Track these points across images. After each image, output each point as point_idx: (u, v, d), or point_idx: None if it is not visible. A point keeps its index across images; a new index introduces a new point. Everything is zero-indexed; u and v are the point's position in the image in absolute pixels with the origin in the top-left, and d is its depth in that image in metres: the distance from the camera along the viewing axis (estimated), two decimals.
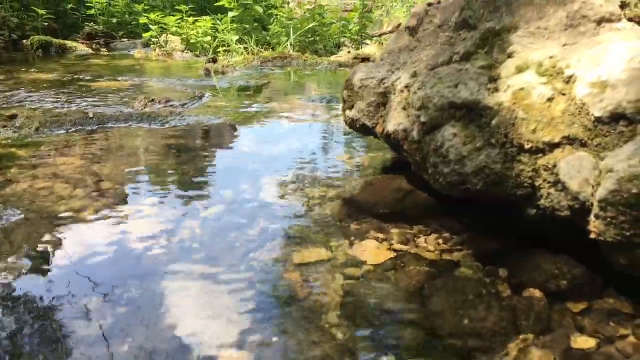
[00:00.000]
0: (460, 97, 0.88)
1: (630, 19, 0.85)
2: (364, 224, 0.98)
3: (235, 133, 1.49)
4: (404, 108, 1.03)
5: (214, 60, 2.76)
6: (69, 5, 4.26)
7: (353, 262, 0.85)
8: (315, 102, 1.88)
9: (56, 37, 3.88)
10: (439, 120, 0.92)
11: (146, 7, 4.34)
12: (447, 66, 0.96)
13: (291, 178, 1.18)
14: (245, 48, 3.07)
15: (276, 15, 3.86)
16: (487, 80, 0.87)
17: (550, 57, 0.84)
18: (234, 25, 3.10)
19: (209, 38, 3.91)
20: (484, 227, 0.94)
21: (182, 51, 3.45)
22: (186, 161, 1.25)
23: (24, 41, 3.71)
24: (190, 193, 1.09)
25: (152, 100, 1.92)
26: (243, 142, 1.42)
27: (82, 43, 3.85)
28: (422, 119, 0.94)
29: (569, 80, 0.80)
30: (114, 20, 4.23)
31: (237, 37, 3.11)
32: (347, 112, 1.19)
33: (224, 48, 3.48)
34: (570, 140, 0.79)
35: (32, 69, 2.68)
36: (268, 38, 3.64)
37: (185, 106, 1.92)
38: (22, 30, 3.64)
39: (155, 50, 3.37)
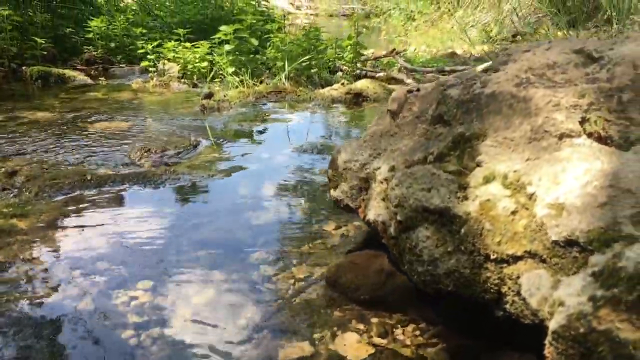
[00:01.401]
0: (433, 203, 0.95)
1: (589, 134, 0.91)
2: (347, 312, 1.05)
3: (224, 196, 1.55)
4: (383, 199, 1.09)
5: (210, 96, 2.82)
6: (68, 29, 4.32)
7: (335, 358, 0.92)
8: (306, 153, 1.94)
9: (55, 63, 3.94)
10: (414, 221, 0.98)
11: (144, 31, 4.40)
12: (422, 166, 1.02)
13: (277, 255, 1.25)
14: (241, 80, 3.13)
15: (272, 41, 3.92)
16: (457, 188, 0.94)
17: (515, 171, 0.90)
18: (230, 58, 3.16)
19: (205, 64, 3.97)
20: (458, 323, 1.00)
21: (180, 79, 3.52)
22: (173, 236, 1.32)
23: (24, 68, 3.78)
24: (176, 278, 1.15)
25: (149, 150, 1.99)
26: (229, 209, 1.48)
27: (81, 69, 3.91)
28: (399, 217, 1.01)
29: (530, 197, 0.86)
30: (113, 44, 4.29)
31: (232, 69, 3.17)
32: (332, 191, 1.26)
33: (220, 75, 3.54)
34: (531, 255, 0.85)
35: (32, 106, 2.74)
36: (262, 66, 3.71)
37: (180, 156, 1.99)
38: (21, 58, 3.70)
39: (152, 79, 3.43)
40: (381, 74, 3.74)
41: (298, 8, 26.18)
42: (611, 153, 0.86)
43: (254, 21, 3.65)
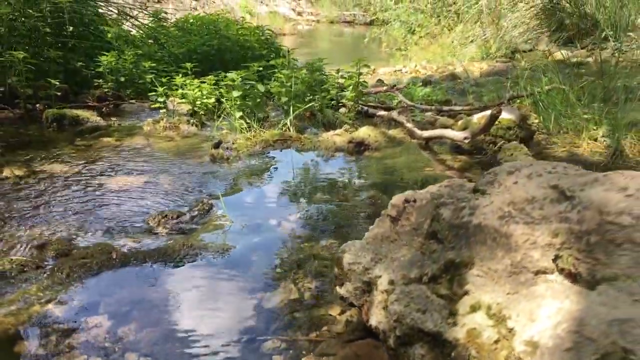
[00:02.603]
0: (427, 326, 1.09)
1: (562, 270, 1.06)
2: None
3: (237, 276, 1.70)
4: (383, 308, 1.24)
5: (219, 144, 2.97)
6: (79, 63, 4.47)
7: None
8: (313, 219, 2.08)
9: (68, 100, 4.10)
10: (411, 338, 1.13)
11: (152, 64, 4.55)
12: (418, 285, 1.17)
13: (288, 344, 1.39)
14: (248, 125, 3.28)
15: (276, 76, 4.08)
16: (448, 314, 1.08)
17: (498, 304, 1.05)
18: (238, 102, 3.31)
19: (212, 100, 4.12)
20: None
21: (189, 119, 3.66)
22: (191, 323, 1.46)
23: (38, 106, 3.93)
24: None
25: (165, 216, 2.13)
26: (243, 289, 1.63)
27: (93, 106, 4.07)
28: (397, 332, 1.15)
29: (510, 330, 1.01)
30: (122, 78, 4.43)
31: (240, 113, 3.32)
32: (338, 288, 1.40)
33: (228, 113, 3.69)
34: None
35: (50, 156, 2.89)
36: (266, 98, 3.85)
37: (195, 221, 2.14)
38: (36, 98, 3.85)
39: (163, 119, 3.57)
40: (382, 113, 3.88)
41: (300, 14, 26.33)
42: (579, 293, 1.01)
43: (261, 68, 3.79)
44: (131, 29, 5.37)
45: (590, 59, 7.84)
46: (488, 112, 2.99)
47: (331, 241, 1.91)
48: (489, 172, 1.33)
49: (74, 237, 1.99)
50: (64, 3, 4.36)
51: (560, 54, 8.05)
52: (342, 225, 2.05)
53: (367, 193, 2.35)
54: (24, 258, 1.78)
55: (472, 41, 10.33)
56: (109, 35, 4.58)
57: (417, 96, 4.50)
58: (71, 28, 4.46)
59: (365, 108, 4.11)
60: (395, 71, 9.32)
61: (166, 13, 6.25)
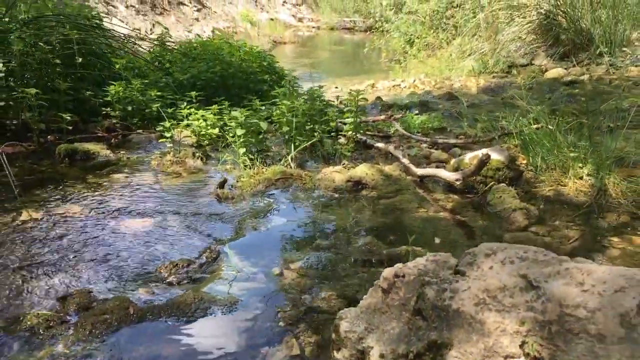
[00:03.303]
0: None
1: (527, 354, 1.23)
2: None
3: (245, 334, 1.86)
4: None
5: (223, 184, 3.14)
6: (88, 93, 4.64)
7: None
8: (312, 269, 2.24)
9: (79, 130, 4.27)
10: None
11: (158, 93, 4.73)
12: None
13: None
14: (251, 160, 3.45)
15: (278, 106, 4.25)
16: None
17: None
18: (242, 140, 3.48)
19: (216, 130, 4.30)
20: None
21: (194, 152, 3.83)
22: None
23: (49, 137, 4.11)
24: None
25: (176, 265, 2.30)
26: (248, 346, 1.80)
27: (102, 137, 4.24)
28: None
29: None
30: (129, 107, 4.60)
31: (244, 149, 3.48)
32: (335, 352, 1.57)
33: (232, 143, 3.87)
34: None
35: (64, 196, 3.06)
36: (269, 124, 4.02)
37: (203, 269, 2.31)
38: (48, 131, 4.03)
39: (169, 152, 3.74)
40: (380, 145, 4.04)
41: (300, 20, 26.52)
42: None
43: (262, 107, 3.96)
44: (138, 57, 5.54)
45: (584, 77, 8.00)
46: (479, 153, 3.16)
47: (329, 293, 2.07)
48: (469, 252, 1.50)
49: (92, 286, 2.15)
50: (73, 35, 4.53)
51: (555, 72, 8.22)
52: (340, 277, 2.21)
53: (364, 240, 2.51)
54: (50, 312, 1.95)
55: (469, 55, 10.49)
56: (117, 66, 4.75)
57: (413, 125, 4.67)
58: (80, 59, 4.63)
59: (364, 138, 4.28)
60: (394, 86, 9.50)
61: (170, 36, 6.41)
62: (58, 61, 4.45)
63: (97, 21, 5.15)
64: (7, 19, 4.35)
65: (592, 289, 1.21)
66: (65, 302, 2.03)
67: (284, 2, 26.65)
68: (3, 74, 3.71)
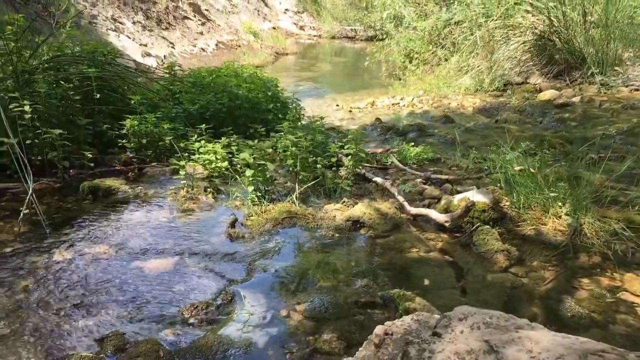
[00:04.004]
0: None
1: None
2: None
3: None
4: None
5: (234, 223, 3.46)
6: (105, 126, 4.98)
7: None
8: (316, 311, 2.56)
9: (97, 165, 4.60)
10: None
11: (170, 127, 5.06)
12: None
13: None
14: (258, 198, 3.77)
15: (283, 139, 4.59)
16: None
17: None
18: (250, 179, 3.80)
19: (225, 163, 4.63)
20: None
21: (206, 187, 4.15)
22: None
23: (72, 172, 4.43)
24: None
25: (196, 307, 2.63)
26: None
27: (120, 170, 4.57)
28: None
29: None
30: (144, 140, 4.94)
31: (252, 187, 3.81)
32: None
33: (240, 175, 4.20)
34: None
35: (92, 237, 3.38)
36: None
37: (219, 310, 2.63)
38: (71, 167, 4.36)
39: (183, 188, 4.07)
40: (377, 180, 4.37)
41: (302, 28, 26.86)
42: None
43: (270, 150, 4.29)
44: (150, 90, 5.86)
45: (576, 99, 8.29)
46: (467, 195, 3.49)
47: (331, 335, 2.39)
48: (446, 315, 1.82)
49: (124, 327, 2.48)
50: (91, 73, 4.87)
51: (548, 93, 8.53)
52: (340, 318, 2.53)
53: (361, 282, 2.83)
54: (90, 354, 2.27)
55: (466, 72, 10.81)
56: (133, 101, 5.08)
57: (409, 156, 4.99)
58: (98, 95, 4.96)
59: (363, 171, 4.60)
60: (393, 104, 9.82)
61: (180, 66, 6.75)
62: (77, 97, 4.79)
63: (112, 57, 5.48)
64: (32, 61, 4.69)
65: (539, 355, 1.53)
66: (102, 344, 2.35)
67: (286, 10, 27.01)
68: (29, 115, 4.02)
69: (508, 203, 3.51)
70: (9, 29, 4.52)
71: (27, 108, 4.04)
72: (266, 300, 2.72)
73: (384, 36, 14.55)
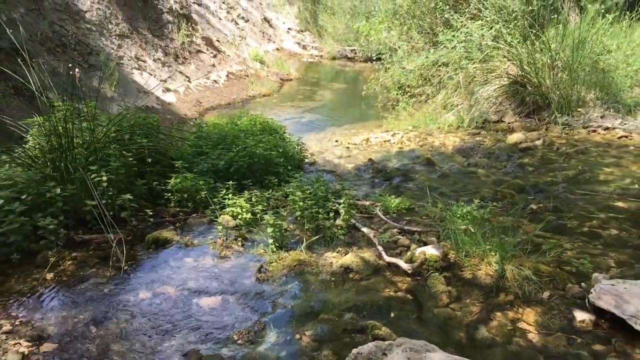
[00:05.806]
0: None
1: None
2: None
3: None
4: None
5: (260, 269, 4.92)
6: (155, 183, 6.46)
7: None
8: (325, 342, 4.01)
9: (151, 216, 6.07)
10: None
11: (204, 183, 6.53)
12: None
13: None
14: (277, 247, 5.22)
15: (291, 198, 6.04)
16: None
17: None
18: (270, 232, 5.26)
19: (250, 215, 6.10)
20: None
21: (236, 236, 5.61)
22: None
23: (134, 223, 5.89)
24: None
25: (241, 332, 4.08)
26: None
27: (169, 221, 6.04)
28: None
29: None
30: (185, 194, 6.41)
31: (272, 240, 5.27)
32: None
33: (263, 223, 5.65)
34: None
35: (161, 279, 4.84)
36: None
37: (257, 334, 4.08)
38: (136, 220, 5.83)
39: (220, 238, 5.53)
40: (364, 230, 5.81)
41: (305, 48, 28.36)
42: None
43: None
44: (183, 148, 7.33)
45: (538, 142, 9.77)
46: (425, 248, 4.93)
47: (328, 351, 3.83)
48: (392, 342, 3.25)
49: (198, 346, 3.92)
50: (145, 144, 6.35)
51: (515, 136, 10.00)
52: (334, 340, 3.97)
53: (349, 314, 4.26)
54: None
55: (450, 110, 12.30)
56: (177, 165, 6.55)
57: (390, 207, 6.43)
58: (150, 159, 6.44)
59: (353, 221, 6.05)
60: (385, 141, 11.30)
61: (198, 101, 8.19)
62: (134, 161, 6.27)
63: (157, 126, 6.96)
64: (100, 137, 6.16)
65: None
66: (187, 357, 3.81)
67: (289, 29, 28.49)
68: (106, 184, 5.49)
69: (454, 255, 4.95)
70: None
71: (104, 177, 5.51)
72: (285, 328, 4.17)
73: (381, 61, 15.77)
